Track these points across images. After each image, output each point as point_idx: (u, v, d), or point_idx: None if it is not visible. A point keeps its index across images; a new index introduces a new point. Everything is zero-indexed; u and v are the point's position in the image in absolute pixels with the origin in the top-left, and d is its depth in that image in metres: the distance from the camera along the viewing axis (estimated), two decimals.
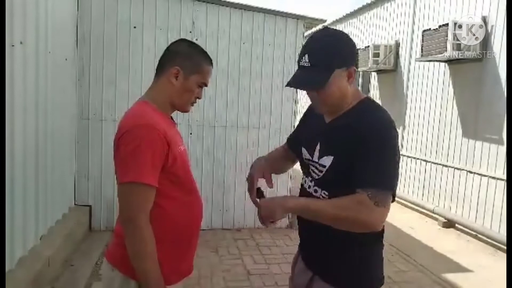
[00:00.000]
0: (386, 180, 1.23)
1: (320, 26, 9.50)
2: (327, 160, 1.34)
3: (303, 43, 4.82)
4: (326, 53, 1.28)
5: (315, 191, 1.41)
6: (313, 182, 1.42)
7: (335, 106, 1.35)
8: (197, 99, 1.52)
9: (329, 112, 1.39)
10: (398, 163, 1.29)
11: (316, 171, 1.40)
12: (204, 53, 1.50)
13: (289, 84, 1.32)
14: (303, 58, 1.30)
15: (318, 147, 1.40)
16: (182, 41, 1.54)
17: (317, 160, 1.39)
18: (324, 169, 1.36)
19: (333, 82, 1.28)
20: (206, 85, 1.52)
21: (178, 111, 1.55)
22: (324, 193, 1.38)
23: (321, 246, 1.43)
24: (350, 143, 1.27)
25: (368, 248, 1.38)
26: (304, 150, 1.48)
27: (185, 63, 1.44)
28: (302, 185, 1.52)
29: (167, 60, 1.47)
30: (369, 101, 1.39)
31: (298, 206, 1.31)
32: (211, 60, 1.52)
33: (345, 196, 1.24)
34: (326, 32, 1.36)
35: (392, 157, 1.26)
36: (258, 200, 1.46)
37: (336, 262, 1.39)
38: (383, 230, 1.37)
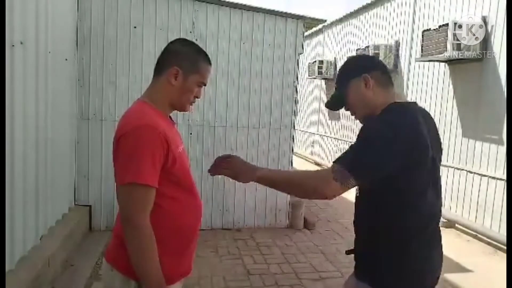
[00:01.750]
0: (352, 161, 1.30)
1: (320, 26, 9.53)
2: None
3: (303, 42, 4.86)
4: (342, 74, 1.55)
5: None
6: None
7: (365, 111, 1.48)
8: (196, 99, 1.52)
9: (365, 117, 1.50)
10: (384, 157, 1.28)
11: None
12: (202, 53, 1.50)
13: (325, 106, 1.64)
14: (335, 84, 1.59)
15: None
16: (181, 40, 1.54)
17: None
18: None
19: (351, 91, 1.49)
20: (205, 85, 1.52)
21: (178, 111, 1.55)
22: (357, 191, 1.48)
23: (371, 254, 1.44)
24: None
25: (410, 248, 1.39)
26: None
27: (184, 63, 1.44)
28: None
29: (166, 60, 1.46)
30: (392, 106, 1.42)
31: (265, 176, 1.46)
32: (209, 59, 1.52)
33: (309, 170, 1.44)
34: (347, 59, 1.63)
35: (371, 147, 1.29)
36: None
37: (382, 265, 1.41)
38: (435, 233, 1.43)
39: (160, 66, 1.47)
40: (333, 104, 1.58)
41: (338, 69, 1.65)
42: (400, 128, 1.31)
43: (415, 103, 1.50)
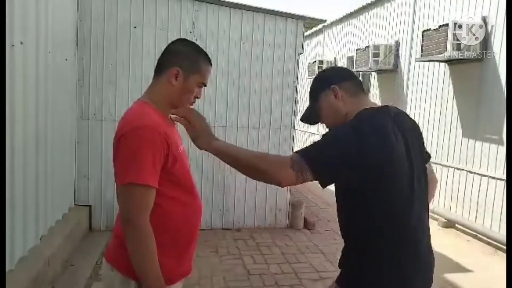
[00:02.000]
0: (312, 154, 1.30)
1: (320, 26, 9.53)
2: None
3: (303, 42, 4.86)
4: (313, 88, 1.56)
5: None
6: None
7: (337, 122, 1.47)
8: (196, 99, 1.52)
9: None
10: (343, 158, 1.25)
11: None
12: (203, 53, 1.50)
13: (300, 119, 1.63)
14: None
15: None
16: (181, 41, 1.53)
17: None
18: None
19: (322, 104, 1.51)
20: (205, 85, 1.51)
21: None
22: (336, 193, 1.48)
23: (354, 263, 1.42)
24: None
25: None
26: None
27: (184, 63, 1.43)
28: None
29: (167, 60, 1.46)
30: (362, 112, 1.39)
31: (220, 148, 1.43)
32: (210, 59, 1.52)
33: (270, 153, 1.46)
34: (320, 71, 1.68)
35: (331, 145, 1.29)
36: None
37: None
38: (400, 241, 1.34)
39: (161, 66, 1.47)
40: (308, 118, 1.59)
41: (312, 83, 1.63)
42: (365, 133, 1.27)
43: (387, 106, 1.44)
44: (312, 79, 1.61)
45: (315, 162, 1.27)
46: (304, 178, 1.28)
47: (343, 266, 1.46)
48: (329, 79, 1.51)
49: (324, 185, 1.32)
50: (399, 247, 1.33)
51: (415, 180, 1.35)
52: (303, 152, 1.31)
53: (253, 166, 1.35)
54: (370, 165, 1.26)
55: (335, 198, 1.49)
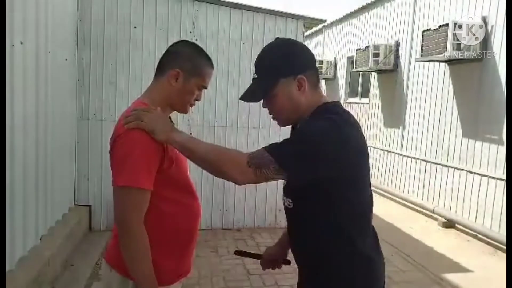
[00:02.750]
0: (277, 149, 1.19)
1: (320, 26, 9.53)
2: None
3: (303, 42, 4.85)
4: (270, 63, 1.27)
5: (285, 201, 1.37)
6: (283, 193, 1.38)
7: (292, 117, 1.31)
8: (196, 101, 1.52)
9: (290, 123, 1.37)
10: (313, 155, 1.15)
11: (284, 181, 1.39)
12: (205, 56, 1.49)
13: (240, 98, 1.35)
14: (254, 69, 1.31)
15: None
16: (184, 42, 1.53)
17: None
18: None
19: (280, 92, 1.26)
20: (206, 88, 1.51)
21: (177, 112, 1.55)
22: (289, 201, 1.34)
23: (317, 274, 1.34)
24: None
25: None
26: None
27: (186, 65, 1.43)
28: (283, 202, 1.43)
29: (168, 61, 1.45)
30: (325, 107, 1.28)
31: (181, 142, 1.29)
32: (212, 63, 1.51)
33: (232, 149, 1.30)
34: (275, 43, 1.35)
35: (297, 144, 1.18)
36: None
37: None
38: (376, 236, 1.35)
39: (162, 67, 1.46)
40: (249, 97, 1.32)
41: (262, 50, 1.32)
42: (347, 130, 1.19)
43: (339, 102, 1.35)
44: (271, 49, 1.30)
45: (275, 153, 1.17)
46: (265, 175, 1.18)
47: (317, 272, 1.34)
48: (297, 65, 1.26)
49: (294, 182, 1.24)
50: (367, 240, 1.31)
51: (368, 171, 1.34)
52: (266, 148, 1.20)
53: (209, 162, 1.25)
54: (349, 164, 1.19)
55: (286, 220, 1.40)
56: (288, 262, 1.66)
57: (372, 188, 1.42)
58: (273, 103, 1.29)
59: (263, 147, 1.22)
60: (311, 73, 1.28)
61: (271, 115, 1.36)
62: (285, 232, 1.58)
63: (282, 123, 1.37)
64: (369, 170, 1.32)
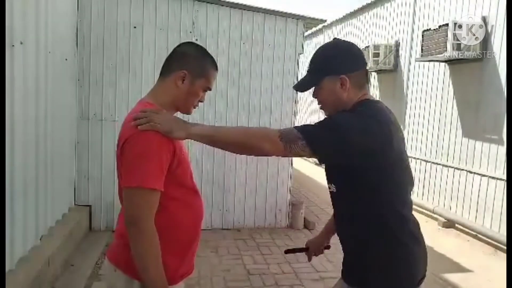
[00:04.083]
0: (306, 128, 1.32)
1: (320, 26, 9.53)
2: None
3: (303, 42, 4.86)
4: (320, 61, 1.45)
5: (329, 188, 1.50)
6: (327, 180, 1.51)
7: (334, 108, 1.45)
8: (200, 102, 1.53)
9: (333, 113, 1.47)
10: (337, 139, 1.27)
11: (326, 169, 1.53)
12: (211, 58, 1.51)
13: (293, 87, 1.54)
14: (308, 64, 1.48)
15: None
16: (190, 44, 1.55)
17: None
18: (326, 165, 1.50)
19: (324, 87, 1.43)
20: (210, 89, 1.53)
21: (180, 113, 1.55)
22: (333, 187, 1.47)
23: (358, 257, 1.45)
24: None
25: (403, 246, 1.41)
26: None
27: (192, 67, 1.44)
28: (329, 188, 1.55)
29: (175, 62, 1.45)
30: (365, 102, 1.42)
31: (201, 132, 1.35)
32: (216, 64, 1.53)
33: (259, 127, 1.46)
34: (332, 43, 1.52)
35: (324, 127, 1.31)
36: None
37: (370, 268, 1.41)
38: (416, 227, 1.47)
39: (168, 68, 1.46)
40: (302, 89, 1.49)
41: (319, 50, 1.49)
42: (371, 122, 1.30)
43: (380, 102, 1.49)
44: (327, 48, 1.48)
45: (304, 130, 1.30)
46: (294, 149, 1.29)
47: (355, 263, 1.46)
48: (343, 66, 1.41)
49: (320, 160, 1.36)
50: (405, 227, 1.42)
51: (409, 169, 1.46)
52: (297, 127, 1.32)
53: (240, 143, 1.34)
54: (376, 153, 1.29)
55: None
56: (328, 247, 1.89)
57: None
58: (319, 95, 1.46)
59: (293, 126, 1.36)
60: (357, 74, 1.42)
61: (319, 106, 1.52)
62: (331, 219, 1.77)
63: (326, 113, 1.51)
64: (408, 168, 1.44)
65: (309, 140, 1.28)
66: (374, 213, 1.37)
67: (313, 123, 1.36)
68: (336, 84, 1.40)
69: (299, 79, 1.55)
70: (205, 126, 1.42)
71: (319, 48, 1.50)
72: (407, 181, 1.43)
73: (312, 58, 1.48)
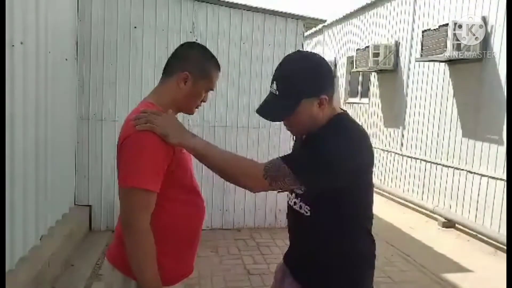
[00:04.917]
0: (293, 163, 1.26)
1: (320, 26, 9.52)
2: None
3: (303, 42, 4.86)
4: (293, 83, 1.26)
5: (300, 207, 1.40)
6: (298, 198, 1.42)
7: (308, 130, 1.36)
8: (202, 102, 1.53)
9: (305, 134, 1.42)
10: (332, 175, 1.24)
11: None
12: (214, 59, 1.50)
13: (257, 111, 1.36)
14: (273, 84, 1.31)
15: None
16: (193, 44, 1.55)
17: None
18: None
19: (302, 111, 1.27)
20: (212, 90, 1.53)
21: (182, 113, 1.55)
22: (307, 208, 1.37)
23: (313, 261, 1.41)
24: None
25: (359, 270, 1.40)
26: None
27: (195, 68, 1.43)
28: (288, 202, 1.51)
29: (177, 63, 1.45)
30: (336, 119, 1.34)
31: (200, 148, 1.34)
32: (219, 65, 1.52)
33: (246, 158, 1.37)
34: (298, 58, 1.35)
35: (314, 158, 1.24)
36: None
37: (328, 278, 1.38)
38: (373, 256, 1.44)
39: (170, 69, 1.46)
40: (270, 115, 1.34)
41: (284, 66, 1.33)
42: (357, 145, 1.29)
43: (346, 112, 1.42)
44: (294, 68, 1.28)
45: (293, 165, 1.25)
46: (280, 185, 1.27)
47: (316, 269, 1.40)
48: (320, 86, 1.27)
49: (308, 190, 1.33)
50: (366, 240, 1.43)
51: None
52: (283, 159, 1.28)
53: (225, 171, 1.34)
54: (361, 173, 1.32)
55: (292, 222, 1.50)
56: None
57: None
58: (292, 120, 1.31)
59: (278, 158, 1.29)
60: (332, 90, 1.31)
61: (286, 127, 1.40)
62: None
63: (297, 135, 1.46)
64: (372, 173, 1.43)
65: (299, 175, 1.24)
66: (343, 230, 1.36)
67: (299, 153, 1.34)
68: (314, 105, 1.27)
69: (261, 101, 1.37)
70: (201, 142, 1.37)
71: (286, 63, 1.32)
72: (372, 190, 1.45)
73: (279, 79, 1.30)
